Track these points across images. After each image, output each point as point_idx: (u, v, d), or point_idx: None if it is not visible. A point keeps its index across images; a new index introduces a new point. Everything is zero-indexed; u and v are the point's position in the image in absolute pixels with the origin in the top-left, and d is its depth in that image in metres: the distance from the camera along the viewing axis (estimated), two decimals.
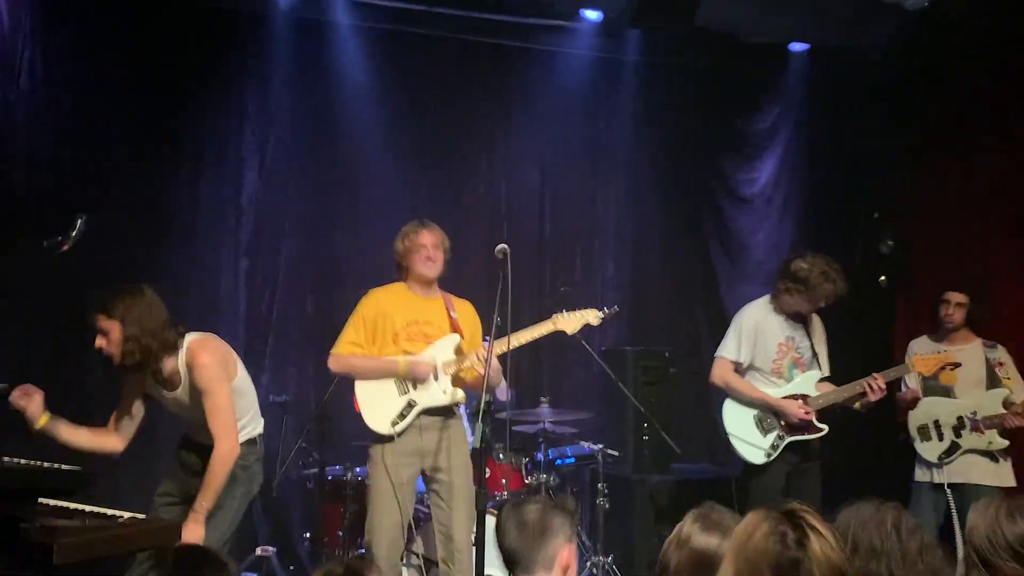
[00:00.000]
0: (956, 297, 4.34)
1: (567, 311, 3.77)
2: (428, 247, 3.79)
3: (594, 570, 4.67)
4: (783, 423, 4.08)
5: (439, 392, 3.71)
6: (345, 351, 3.79)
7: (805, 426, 4.07)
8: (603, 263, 6.31)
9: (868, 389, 3.98)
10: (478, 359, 3.63)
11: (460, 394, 3.76)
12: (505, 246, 3.38)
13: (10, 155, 4.74)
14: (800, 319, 4.18)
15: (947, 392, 4.33)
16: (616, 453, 5.01)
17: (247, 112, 5.45)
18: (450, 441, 3.74)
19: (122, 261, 4.76)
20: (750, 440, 4.12)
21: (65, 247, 2.69)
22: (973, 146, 5.83)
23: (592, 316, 3.77)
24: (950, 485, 4.20)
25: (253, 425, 3.45)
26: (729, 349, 4.20)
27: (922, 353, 4.32)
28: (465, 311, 3.92)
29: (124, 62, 5.03)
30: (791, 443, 4.10)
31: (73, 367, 4.55)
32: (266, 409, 5.13)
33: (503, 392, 4.82)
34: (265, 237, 5.51)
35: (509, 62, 5.99)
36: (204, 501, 3.12)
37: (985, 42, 5.65)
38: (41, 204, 4.63)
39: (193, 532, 3.05)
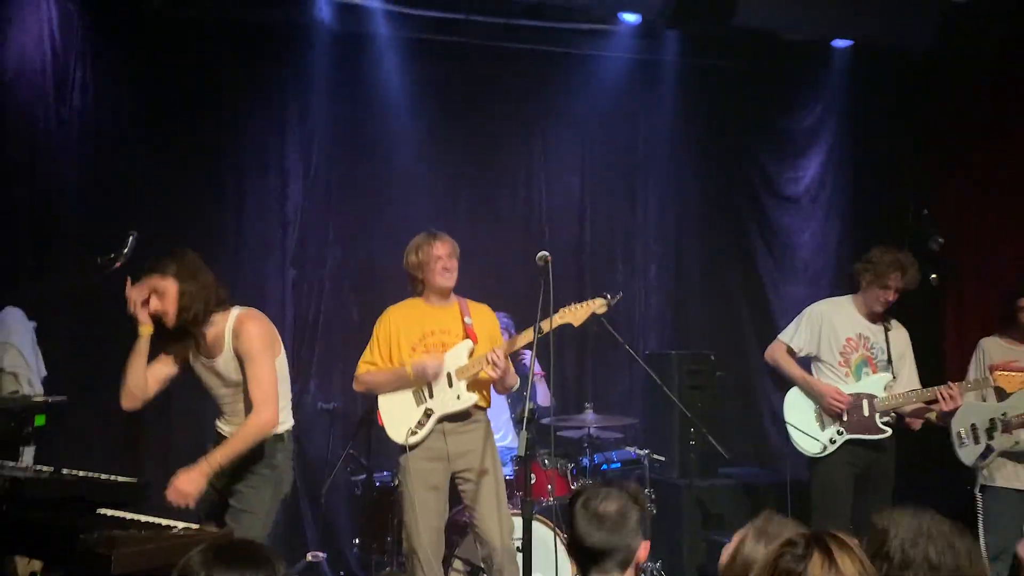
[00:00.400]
0: None
1: (573, 304, 3.72)
2: (444, 257, 3.79)
3: (642, 575, 4.64)
4: (843, 420, 4.07)
5: (453, 398, 3.72)
6: (362, 371, 3.87)
7: (867, 426, 4.03)
8: (645, 266, 6.28)
9: (940, 397, 3.93)
10: (488, 361, 3.62)
11: (475, 398, 3.75)
12: (546, 253, 3.40)
13: (63, 173, 4.88)
14: (880, 322, 4.17)
15: (1002, 395, 4.22)
16: (662, 458, 4.97)
17: (290, 125, 5.55)
18: (476, 444, 3.75)
19: None
20: (808, 431, 4.12)
21: (118, 264, 2.76)
22: (1018, 141, 5.70)
23: (598, 305, 3.71)
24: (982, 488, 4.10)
25: (285, 417, 3.35)
26: (787, 333, 4.28)
27: (994, 354, 4.27)
28: (481, 315, 3.92)
29: (170, 79, 5.15)
30: (858, 445, 4.07)
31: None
32: (314, 416, 5.27)
33: (544, 397, 4.83)
34: (310, 247, 5.60)
35: (547, 67, 6.00)
36: (218, 457, 3.06)
37: None
38: (93, 221, 4.76)
39: (189, 481, 2.97)
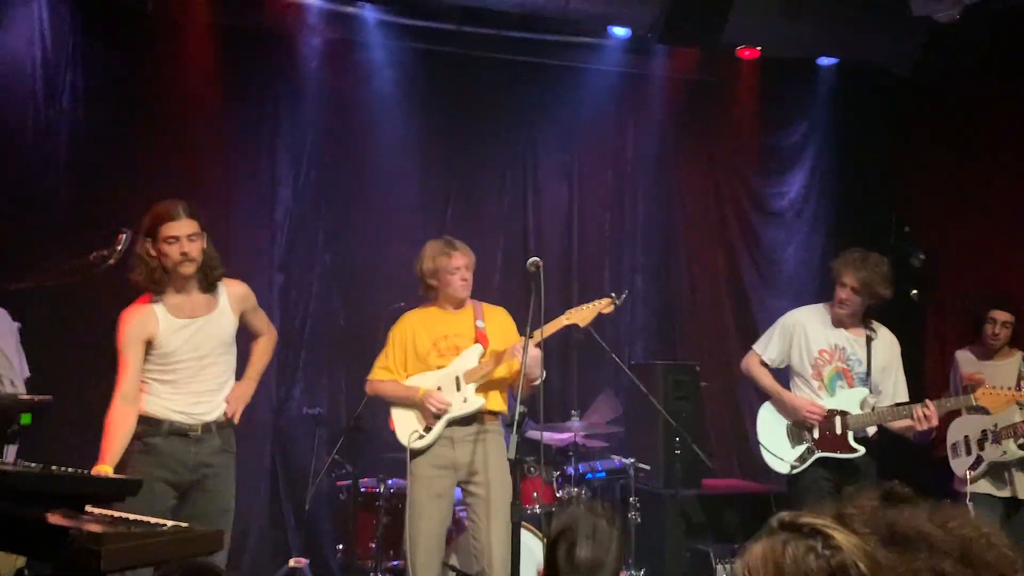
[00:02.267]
0: (1002, 316, 4.29)
1: (580, 305, 3.71)
2: (462, 268, 3.83)
3: None
4: (814, 437, 3.95)
5: (460, 401, 3.73)
6: (375, 376, 3.91)
7: (838, 444, 3.91)
8: (632, 276, 6.32)
9: (915, 419, 3.75)
10: (511, 354, 3.61)
11: (482, 402, 3.75)
12: (538, 259, 3.42)
13: (54, 173, 4.86)
14: (860, 328, 4.00)
15: (985, 410, 4.28)
16: (647, 467, 5.00)
17: (281, 131, 5.56)
18: (485, 454, 3.74)
19: None
20: (777, 450, 4.04)
21: (112, 261, 2.76)
22: (1000, 159, 5.81)
23: (604, 305, 3.64)
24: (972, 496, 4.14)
25: None
26: (760, 343, 4.19)
27: (964, 367, 4.33)
28: (496, 318, 3.94)
29: (160, 82, 5.16)
30: (831, 464, 3.93)
31: (112, 379, 4.63)
32: (299, 421, 5.26)
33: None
34: (299, 253, 5.59)
35: (538, 78, 6.05)
36: (257, 369, 3.51)
37: (1010, 57, 5.64)
38: (80, 223, 4.73)
39: (248, 391, 3.39)
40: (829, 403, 3.97)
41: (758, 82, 6.32)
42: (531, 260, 3.42)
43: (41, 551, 2.43)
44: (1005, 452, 4.20)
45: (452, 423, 3.75)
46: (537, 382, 3.64)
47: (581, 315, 3.64)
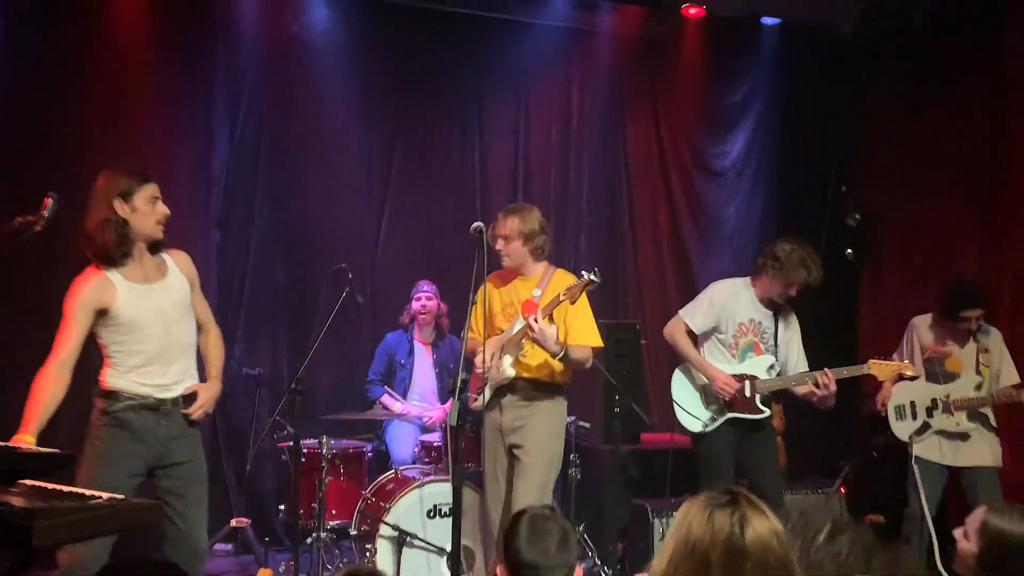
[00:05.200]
0: (975, 313, 4.33)
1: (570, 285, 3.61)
2: (499, 238, 3.78)
3: None
4: (726, 399, 4.16)
5: (495, 370, 3.76)
6: (468, 335, 3.79)
7: (747, 405, 4.14)
8: (576, 236, 6.33)
9: (814, 387, 4.01)
10: (529, 326, 3.55)
11: (512, 373, 3.73)
12: (480, 224, 3.40)
13: None
14: (773, 306, 4.23)
15: (952, 378, 4.41)
16: (588, 425, 5.08)
17: (217, 80, 5.37)
18: (528, 420, 3.78)
19: None
20: (690, 409, 4.24)
21: (38, 227, 2.64)
22: (938, 120, 5.93)
23: (586, 282, 3.54)
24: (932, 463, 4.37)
25: None
26: (689, 313, 4.27)
27: (925, 336, 4.47)
28: (557, 286, 3.74)
29: (89, 34, 4.94)
30: (737, 422, 4.17)
31: (47, 345, 4.49)
32: (239, 382, 5.19)
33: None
34: (236, 209, 5.46)
35: (483, 33, 5.95)
36: (218, 367, 3.37)
37: (952, 18, 5.73)
38: (10, 185, 4.53)
39: (215, 391, 3.27)
40: (739, 368, 4.20)
41: (703, 41, 6.32)
42: (474, 225, 3.40)
43: None
44: (959, 424, 4.35)
45: (498, 390, 3.81)
46: (557, 357, 3.66)
47: (571, 294, 3.57)
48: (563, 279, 3.79)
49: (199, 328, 3.35)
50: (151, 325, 3.13)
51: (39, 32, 4.85)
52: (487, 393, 3.84)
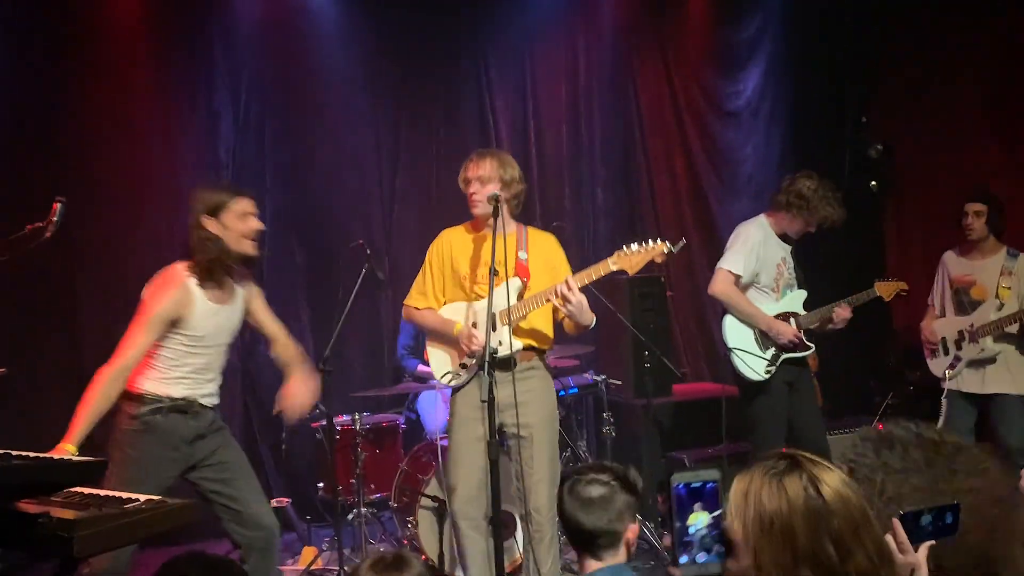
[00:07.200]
0: (974, 207, 4.28)
1: (628, 247, 3.23)
2: (472, 181, 3.37)
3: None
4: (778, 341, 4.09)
5: (495, 343, 3.16)
6: (412, 303, 3.56)
7: (796, 345, 4.08)
8: (592, 190, 6.23)
9: (832, 316, 4.08)
10: (558, 294, 3.19)
11: (520, 345, 3.36)
12: (496, 192, 3.30)
13: None
14: (788, 241, 4.16)
15: (977, 306, 4.36)
16: (618, 382, 5.05)
17: (216, 66, 5.29)
18: (528, 395, 3.35)
19: (108, 234, 4.70)
20: (753, 353, 4.08)
21: (48, 233, 2.61)
22: (961, 49, 5.74)
23: (656, 252, 3.19)
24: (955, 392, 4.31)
25: None
26: (733, 263, 4.07)
27: (952, 268, 4.46)
28: (541, 246, 3.50)
29: (87, 29, 4.88)
30: (788, 362, 4.10)
31: (64, 349, 4.52)
32: (267, 364, 5.16)
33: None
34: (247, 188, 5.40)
35: None
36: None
37: None
38: (19, 190, 4.48)
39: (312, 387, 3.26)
40: (780, 307, 4.15)
41: None
42: (489, 195, 3.30)
43: (11, 540, 2.38)
44: (983, 349, 4.29)
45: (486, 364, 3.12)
46: (589, 328, 3.38)
47: (630, 261, 3.20)
48: (541, 239, 3.52)
49: (273, 341, 3.38)
50: (210, 345, 3.15)
51: (38, 31, 4.78)
52: (473, 368, 3.38)
